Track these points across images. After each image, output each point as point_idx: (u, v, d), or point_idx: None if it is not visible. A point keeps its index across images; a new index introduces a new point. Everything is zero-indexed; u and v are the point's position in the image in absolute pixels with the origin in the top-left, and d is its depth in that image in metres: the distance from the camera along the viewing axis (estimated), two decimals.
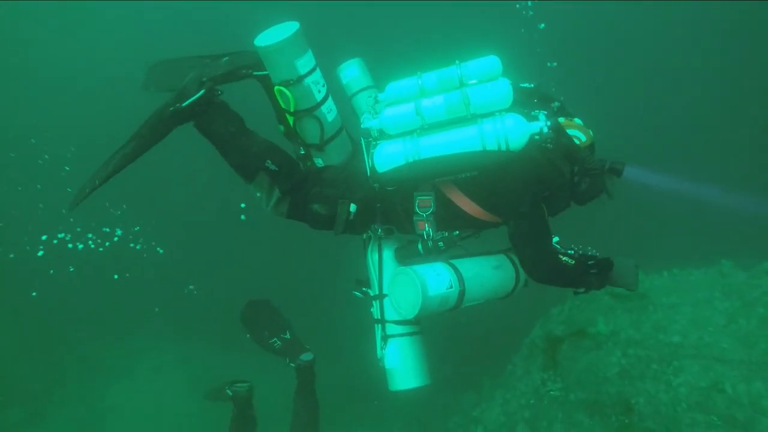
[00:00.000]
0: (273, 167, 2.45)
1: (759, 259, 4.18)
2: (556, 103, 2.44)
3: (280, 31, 2.38)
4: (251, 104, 2.75)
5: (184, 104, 2.33)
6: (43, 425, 6.08)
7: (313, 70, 2.42)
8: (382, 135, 2.41)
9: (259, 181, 2.48)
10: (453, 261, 2.39)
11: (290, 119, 2.53)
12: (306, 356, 3.27)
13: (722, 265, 4.24)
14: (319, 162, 2.70)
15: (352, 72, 2.82)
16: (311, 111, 2.46)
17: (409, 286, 2.27)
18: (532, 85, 2.49)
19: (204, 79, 2.39)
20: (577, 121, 2.40)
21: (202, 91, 2.35)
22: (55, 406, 6.36)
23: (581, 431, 3.29)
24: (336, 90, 2.74)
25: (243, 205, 3.32)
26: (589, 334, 3.81)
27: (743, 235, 5.03)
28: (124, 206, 8.59)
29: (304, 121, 2.49)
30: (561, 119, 2.33)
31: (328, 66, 2.73)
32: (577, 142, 2.32)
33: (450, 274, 2.30)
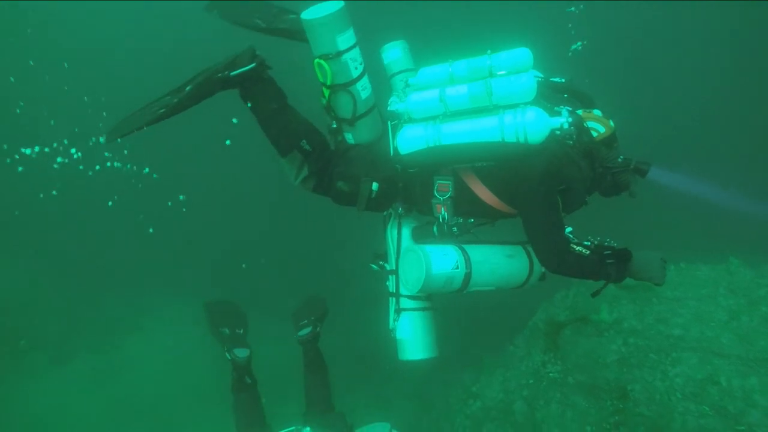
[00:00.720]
0: (307, 147, 2.56)
1: (763, 254, 4.22)
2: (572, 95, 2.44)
3: (326, 7, 2.45)
4: (299, 78, 2.81)
5: (232, 73, 2.40)
6: (64, 370, 6.42)
7: (352, 47, 2.50)
8: (408, 118, 2.47)
9: (292, 158, 2.59)
10: (464, 245, 2.45)
11: (326, 92, 2.60)
12: (240, 352, 3.35)
13: (730, 262, 4.26)
14: (349, 137, 2.78)
15: (394, 53, 2.88)
16: (346, 86, 2.54)
17: (415, 262, 2.36)
18: (564, 80, 2.50)
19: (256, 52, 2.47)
20: (597, 112, 2.41)
21: (252, 65, 2.43)
22: (74, 353, 6.70)
23: (577, 413, 3.42)
24: (378, 70, 2.83)
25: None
26: (592, 321, 3.90)
27: (753, 234, 5.04)
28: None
29: (338, 95, 2.57)
30: (580, 111, 2.35)
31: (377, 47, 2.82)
32: (595, 134, 2.34)
33: (458, 256, 2.36)
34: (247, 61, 2.43)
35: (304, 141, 2.57)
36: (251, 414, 3.35)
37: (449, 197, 2.50)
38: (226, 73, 2.40)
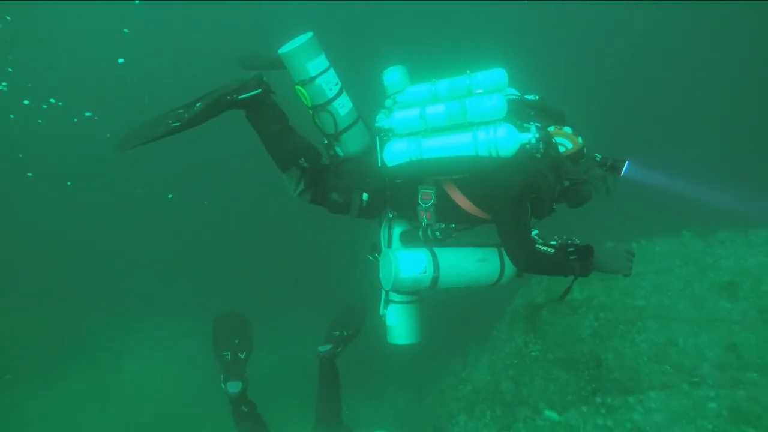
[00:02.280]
0: (305, 164, 2.88)
1: (715, 229, 4.68)
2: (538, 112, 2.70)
3: (297, 40, 2.75)
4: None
5: (240, 97, 2.69)
6: (54, 399, 6.42)
7: (324, 71, 2.79)
8: (393, 133, 2.76)
9: (291, 174, 2.90)
10: (436, 249, 2.73)
11: (311, 113, 2.91)
12: (232, 387, 3.47)
13: (683, 235, 4.71)
14: (338, 151, 3.08)
15: (392, 77, 3.17)
16: (324, 106, 2.83)
17: (387, 265, 2.70)
18: (537, 97, 2.77)
19: (264, 79, 2.78)
20: (567, 129, 2.66)
21: (258, 90, 2.73)
22: (62, 382, 6.70)
23: (558, 385, 3.75)
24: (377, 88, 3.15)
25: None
26: (566, 301, 4.25)
27: (702, 208, 5.53)
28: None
29: (320, 114, 2.86)
30: (551, 127, 2.63)
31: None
32: (563, 149, 2.60)
33: (427, 261, 2.66)
34: (254, 86, 2.73)
35: (302, 159, 2.87)
36: None
37: (432, 205, 2.79)
38: (235, 96, 2.68)
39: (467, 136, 2.48)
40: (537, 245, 2.55)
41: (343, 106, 2.91)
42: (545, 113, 2.69)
